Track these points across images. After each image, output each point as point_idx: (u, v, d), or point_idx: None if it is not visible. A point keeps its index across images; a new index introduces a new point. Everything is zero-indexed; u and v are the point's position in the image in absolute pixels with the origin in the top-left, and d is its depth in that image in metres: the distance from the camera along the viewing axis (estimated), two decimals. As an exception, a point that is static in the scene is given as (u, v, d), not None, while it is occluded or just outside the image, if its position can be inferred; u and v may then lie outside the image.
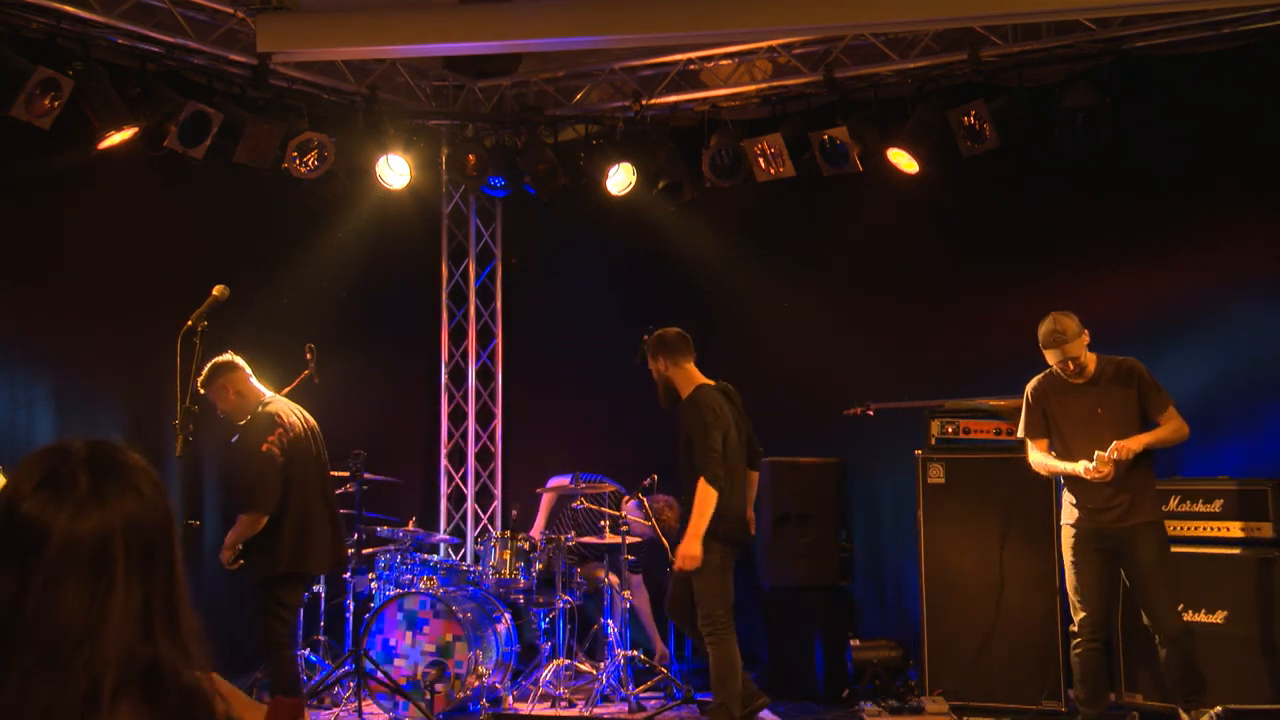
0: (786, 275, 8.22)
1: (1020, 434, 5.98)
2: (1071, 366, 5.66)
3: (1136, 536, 5.61)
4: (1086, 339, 5.65)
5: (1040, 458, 5.84)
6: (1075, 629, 5.70)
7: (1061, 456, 5.76)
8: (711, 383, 5.98)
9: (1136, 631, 6.14)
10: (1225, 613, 6.02)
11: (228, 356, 5.57)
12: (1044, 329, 5.68)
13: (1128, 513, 5.61)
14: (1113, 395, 5.69)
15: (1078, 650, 5.70)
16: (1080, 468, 5.60)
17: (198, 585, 7.21)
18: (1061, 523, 5.85)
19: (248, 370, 5.79)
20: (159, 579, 1.44)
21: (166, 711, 1.40)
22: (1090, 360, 5.71)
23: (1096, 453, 5.53)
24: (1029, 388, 5.89)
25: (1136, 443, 5.55)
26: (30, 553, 1.38)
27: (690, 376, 5.96)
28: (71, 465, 1.45)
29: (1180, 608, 5.94)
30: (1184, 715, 5.58)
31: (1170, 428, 5.66)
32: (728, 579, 5.83)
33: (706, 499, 5.65)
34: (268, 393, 5.85)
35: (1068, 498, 5.79)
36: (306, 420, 5.91)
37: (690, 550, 5.70)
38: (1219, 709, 5.62)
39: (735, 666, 5.77)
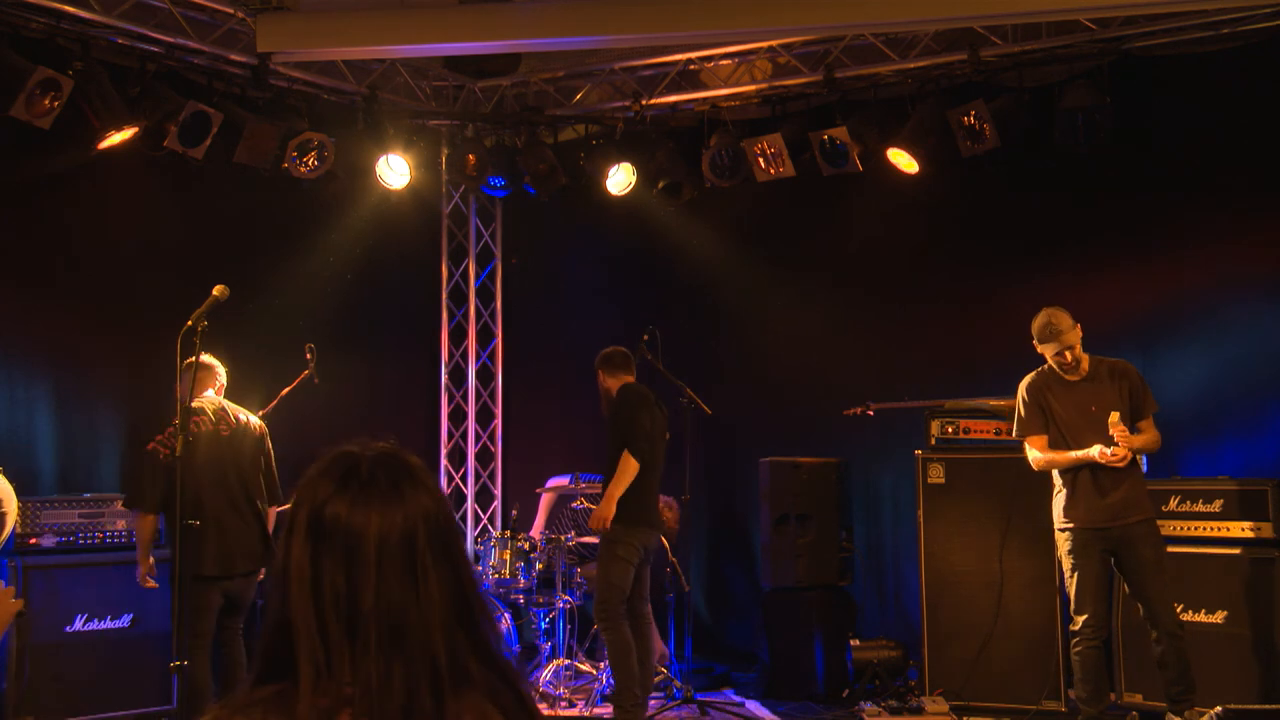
0: (786, 275, 8.22)
1: (1016, 434, 5.96)
2: (1069, 357, 5.67)
3: (1136, 534, 5.63)
4: (1080, 332, 5.68)
5: (1041, 454, 5.82)
6: (1076, 629, 5.69)
7: (1062, 450, 5.76)
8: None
9: (1136, 631, 6.15)
10: (1225, 613, 6.02)
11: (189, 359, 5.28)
12: (1039, 323, 5.71)
13: (1127, 511, 5.63)
14: (1107, 392, 5.71)
15: (1079, 649, 5.69)
16: (1095, 452, 5.58)
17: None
18: (1056, 527, 5.82)
19: (198, 373, 5.37)
20: (460, 568, 1.55)
21: (496, 694, 1.52)
22: (1084, 358, 5.73)
23: (1115, 433, 5.53)
24: (1023, 386, 5.89)
25: (1134, 440, 5.58)
26: (350, 551, 1.49)
27: (619, 384, 6.43)
28: (367, 466, 1.55)
29: (1180, 608, 5.97)
30: (1173, 717, 5.60)
31: (1151, 436, 5.71)
32: (630, 572, 6.16)
33: (628, 467, 6.09)
34: (208, 394, 5.66)
35: (1061, 500, 5.77)
36: (237, 421, 5.68)
37: (603, 512, 6.09)
38: (1219, 709, 5.61)
39: (631, 648, 6.11)
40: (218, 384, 5.80)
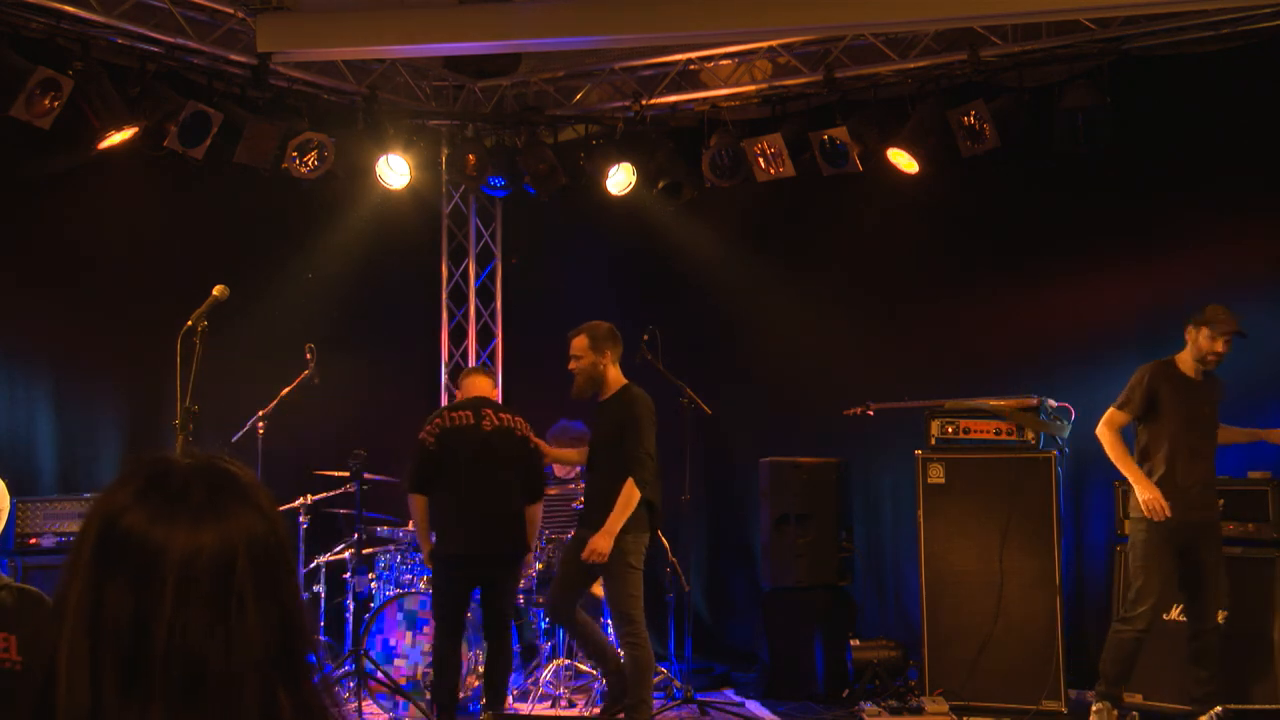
0: (786, 275, 8.22)
1: (1117, 402, 6.02)
2: (1225, 349, 5.87)
3: (1209, 534, 5.80)
4: None
5: (1111, 434, 5.95)
6: (1130, 615, 5.81)
7: (1160, 445, 5.86)
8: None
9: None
10: (1225, 613, 6.02)
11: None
12: (1223, 310, 5.85)
13: (1208, 510, 5.83)
14: (1214, 395, 5.94)
15: (1126, 635, 5.81)
16: (1143, 499, 5.75)
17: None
18: (1133, 515, 5.94)
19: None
20: (289, 607, 1.27)
21: None
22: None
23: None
24: (1147, 366, 5.99)
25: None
26: (143, 574, 1.19)
27: (620, 374, 6.00)
28: (180, 475, 1.26)
29: (1181, 607, 6.02)
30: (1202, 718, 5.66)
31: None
32: (642, 578, 5.88)
33: (632, 499, 5.69)
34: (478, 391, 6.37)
35: (1149, 492, 5.80)
36: (489, 416, 6.11)
37: (601, 546, 5.65)
38: (1219, 709, 5.63)
39: (652, 664, 5.95)
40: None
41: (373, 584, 6.97)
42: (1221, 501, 6.09)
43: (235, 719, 1.19)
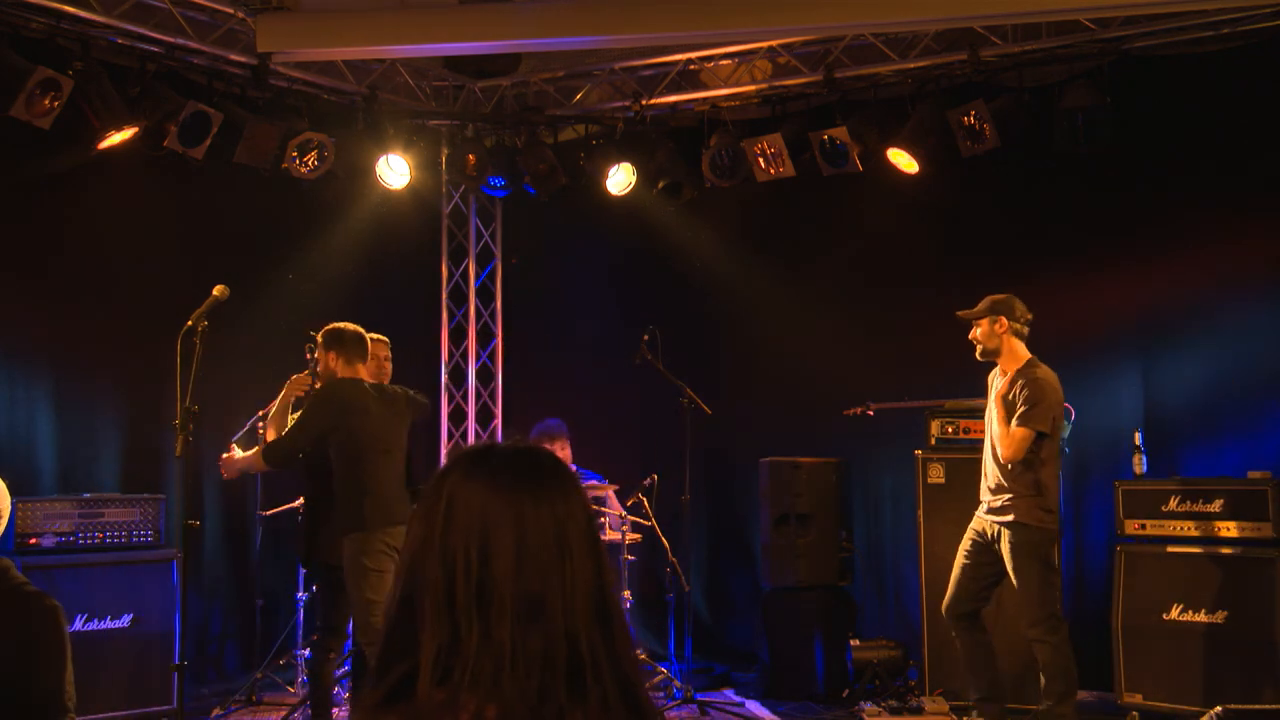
0: (786, 275, 8.22)
1: None
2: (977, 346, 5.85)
3: (1001, 538, 5.65)
4: (992, 326, 5.78)
5: None
6: None
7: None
8: (369, 380, 5.73)
9: (1136, 631, 6.16)
10: (1225, 613, 6.02)
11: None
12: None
13: (996, 513, 5.67)
14: (1005, 397, 5.71)
15: None
16: None
17: (198, 586, 7.23)
18: None
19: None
20: (604, 571, 1.51)
21: (611, 697, 1.46)
22: (1009, 356, 5.76)
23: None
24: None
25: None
26: (488, 531, 1.46)
27: (356, 376, 5.66)
28: (513, 455, 1.54)
29: (1180, 607, 5.98)
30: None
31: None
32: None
33: (252, 461, 5.54)
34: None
35: None
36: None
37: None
38: (1219, 709, 5.61)
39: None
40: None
41: (373, 584, 6.95)
42: (1220, 501, 6.10)
43: (572, 642, 1.42)
